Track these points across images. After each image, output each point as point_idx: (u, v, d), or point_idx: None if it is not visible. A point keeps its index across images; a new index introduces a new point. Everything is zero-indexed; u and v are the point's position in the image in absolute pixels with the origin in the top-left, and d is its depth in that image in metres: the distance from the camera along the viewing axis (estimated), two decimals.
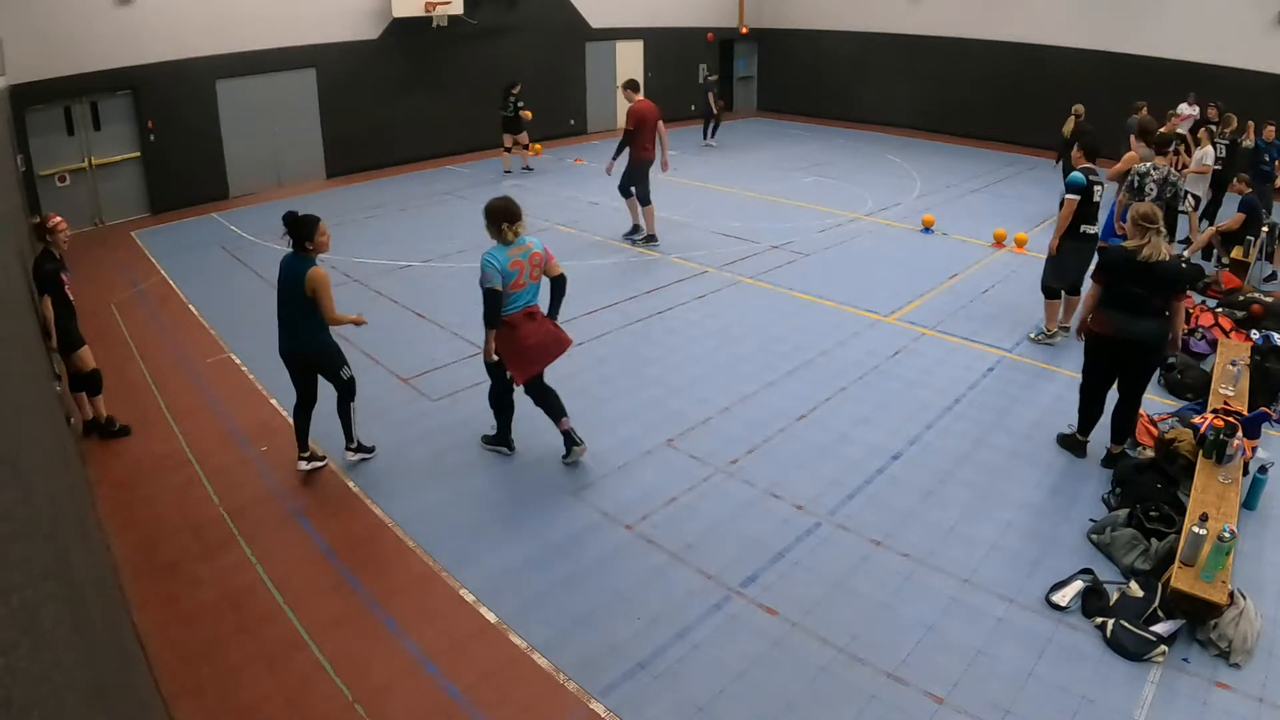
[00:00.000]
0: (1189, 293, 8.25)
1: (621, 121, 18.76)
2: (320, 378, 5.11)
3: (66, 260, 5.53)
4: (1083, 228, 6.72)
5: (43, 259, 5.28)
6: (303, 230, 4.74)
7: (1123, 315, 4.89)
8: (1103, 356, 5.11)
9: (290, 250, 4.83)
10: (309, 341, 4.90)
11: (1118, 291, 4.87)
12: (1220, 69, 13.55)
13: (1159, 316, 4.86)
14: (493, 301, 4.68)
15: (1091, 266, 5.73)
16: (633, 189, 9.77)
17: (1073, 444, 5.50)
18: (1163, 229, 4.85)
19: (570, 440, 5.26)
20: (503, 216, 4.78)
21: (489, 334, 4.84)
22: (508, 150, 13.96)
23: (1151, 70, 14.39)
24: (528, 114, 13.62)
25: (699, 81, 16.48)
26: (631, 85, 9.76)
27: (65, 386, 5.67)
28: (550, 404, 5.16)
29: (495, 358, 4.90)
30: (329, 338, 4.99)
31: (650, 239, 10.02)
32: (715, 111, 16.50)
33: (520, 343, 4.83)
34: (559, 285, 4.99)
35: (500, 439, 5.46)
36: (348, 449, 5.34)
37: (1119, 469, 5.15)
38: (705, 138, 16.81)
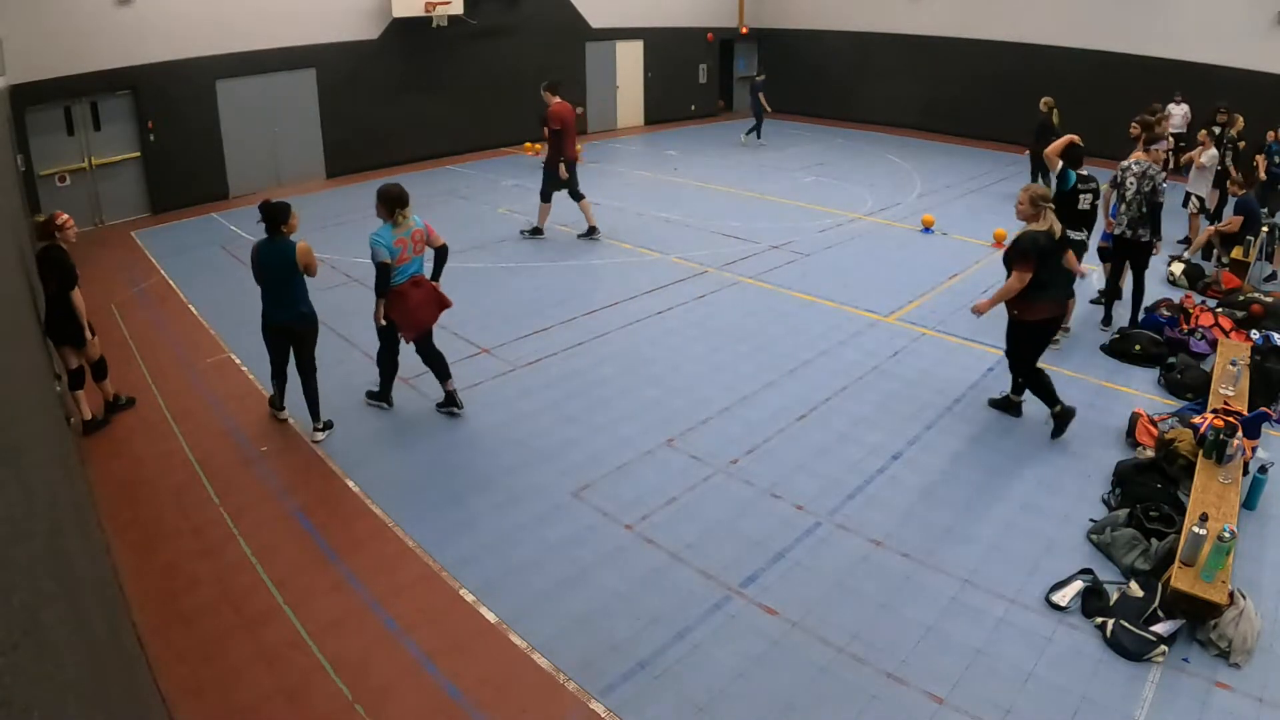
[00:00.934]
0: (1189, 293, 8.27)
1: (622, 121, 19.01)
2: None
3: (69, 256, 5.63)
4: (1066, 232, 6.72)
5: (58, 254, 5.37)
6: (279, 215, 5.30)
7: (1056, 292, 5.38)
8: (1044, 337, 5.52)
9: (265, 238, 5.33)
10: (298, 313, 5.45)
11: (1046, 275, 5.24)
12: (1220, 69, 13.55)
13: (1068, 284, 5.52)
14: (382, 274, 5.34)
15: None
16: (563, 187, 9.78)
17: (1010, 406, 5.93)
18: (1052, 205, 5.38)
19: (451, 400, 5.89)
20: (395, 203, 5.39)
21: (379, 302, 5.46)
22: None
23: (1151, 70, 14.39)
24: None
25: (751, 80, 16.34)
26: (551, 87, 9.78)
27: (65, 386, 5.75)
28: (437, 365, 5.80)
29: (384, 322, 5.53)
30: (312, 309, 5.56)
31: (537, 231, 10.12)
32: (767, 110, 16.48)
33: (408, 307, 5.49)
34: (441, 254, 5.69)
35: (382, 395, 6.03)
36: (315, 429, 5.68)
37: (1119, 469, 5.15)
38: (757, 137, 16.69)
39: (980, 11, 16.77)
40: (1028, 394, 5.83)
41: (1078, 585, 4.19)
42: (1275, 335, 6.72)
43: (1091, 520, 4.76)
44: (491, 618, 4.06)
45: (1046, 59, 15.81)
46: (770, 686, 3.64)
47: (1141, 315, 7.49)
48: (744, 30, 20.73)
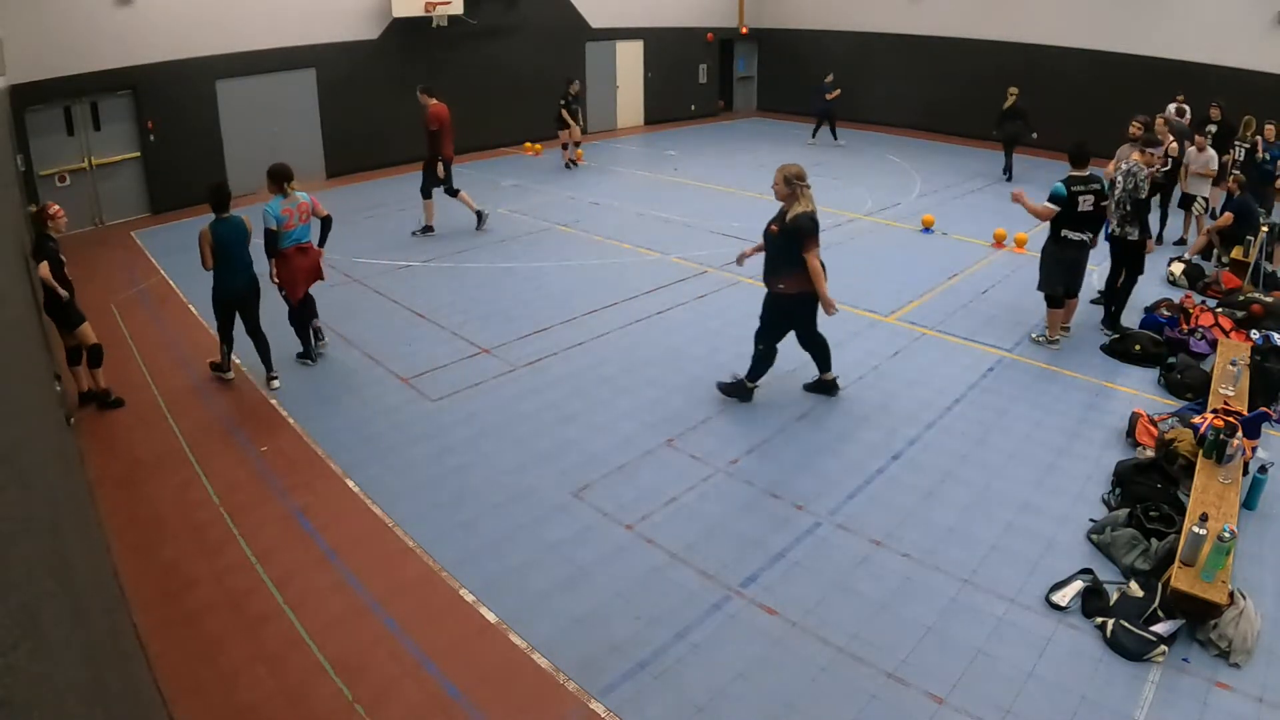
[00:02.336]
0: (1189, 293, 8.27)
1: (622, 121, 19.01)
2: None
3: (62, 246, 5.98)
4: (1064, 232, 6.76)
5: (42, 239, 5.76)
6: (228, 197, 6.12)
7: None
8: (799, 309, 5.71)
9: (217, 218, 6.05)
10: (250, 277, 6.25)
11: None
12: (1220, 69, 13.55)
13: None
14: (270, 239, 6.24)
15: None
16: (441, 185, 10.07)
17: (742, 391, 6.06)
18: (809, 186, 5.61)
19: (318, 334, 6.96)
20: (282, 177, 6.30)
21: (271, 262, 6.37)
22: (564, 146, 14.64)
23: (1151, 70, 14.39)
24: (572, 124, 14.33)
25: (823, 83, 16.13)
26: (426, 90, 10.07)
27: (63, 360, 5.98)
28: (305, 315, 6.75)
29: (276, 281, 6.42)
30: (254, 273, 6.34)
31: (428, 229, 10.33)
32: (832, 112, 16.37)
33: (291, 270, 6.38)
34: (326, 223, 6.59)
35: (305, 353, 6.86)
36: (271, 377, 6.43)
37: (1119, 469, 5.15)
38: (833, 136, 16.66)
39: (980, 11, 16.77)
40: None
41: (1078, 585, 4.18)
42: (1275, 335, 6.72)
43: (1091, 520, 4.76)
44: (491, 618, 4.05)
45: (1047, 59, 15.82)
46: (770, 686, 3.64)
47: (1140, 315, 7.50)
48: (744, 30, 20.73)
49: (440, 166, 9.84)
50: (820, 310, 5.72)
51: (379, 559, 4.50)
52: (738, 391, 6.10)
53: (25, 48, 9.92)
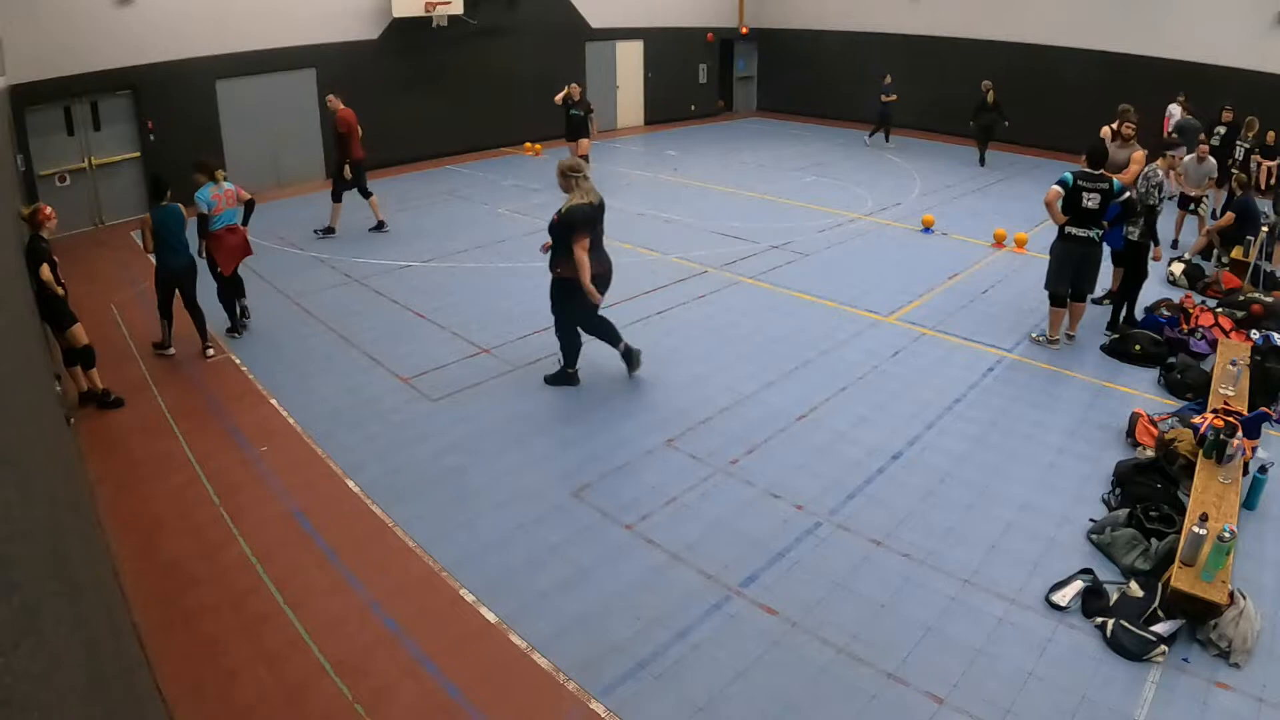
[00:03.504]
0: (1189, 293, 8.27)
1: (622, 121, 19.01)
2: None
3: (59, 247, 6.28)
4: (1068, 229, 6.75)
5: (35, 240, 5.86)
6: (166, 185, 6.80)
7: (595, 253, 5.96)
8: (579, 298, 5.99)
9: (158, 205, 6.68)
10: (190, 257, 6.87)
11: (595, 238, 5.95)
12: (1220, 69, 13.55)
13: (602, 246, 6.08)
14: (202, 221, 6.97)
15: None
16: (352, 187, 10.22)
17: (567, 378, 6.35)
18: (589, 175, 6.06)
19: (244, 312, 7.58)
20: (213, 167, 7.13)
21: (201, 243, 7.06)
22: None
23: (1151, 70, 14.39)
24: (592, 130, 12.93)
25: (883, 84, 16.18)
26: (335, 95, 10.36)
27: (60, 360, 6.04)
28: (233, 293, 7.43)
29: (207, 258, 7.11)
30: (192, 254, 6.99)
31: (329, 230, 10.46)
32: (890, 113, 16.31)
33: (223, 247, 7.12)
34: (250, 205, 7.36)
35: (233, 327, 7.48)
36: (207, 347, 7.05)
37: (1119, 469, 5.15)
38: (885, 139, 16.62)
39: (980, 11, 16.77)
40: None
41: (1078, 585, 4.18)
42: (1275, 335, 6.72)
43: (1091, 520, 4.76)
44: (491, 618, 4.05)
45: (1047, 59, 15.82)
46: (770, 686, 3.64)
47: (1141, 315, 7.50)
48: (744, 30, 20.73)
49: (347, 169, 10.05)
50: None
51: (379, 559, 4.50)
52: (565, 380, 6.39)
53: (25, 48, 9.91)
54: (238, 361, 6.97)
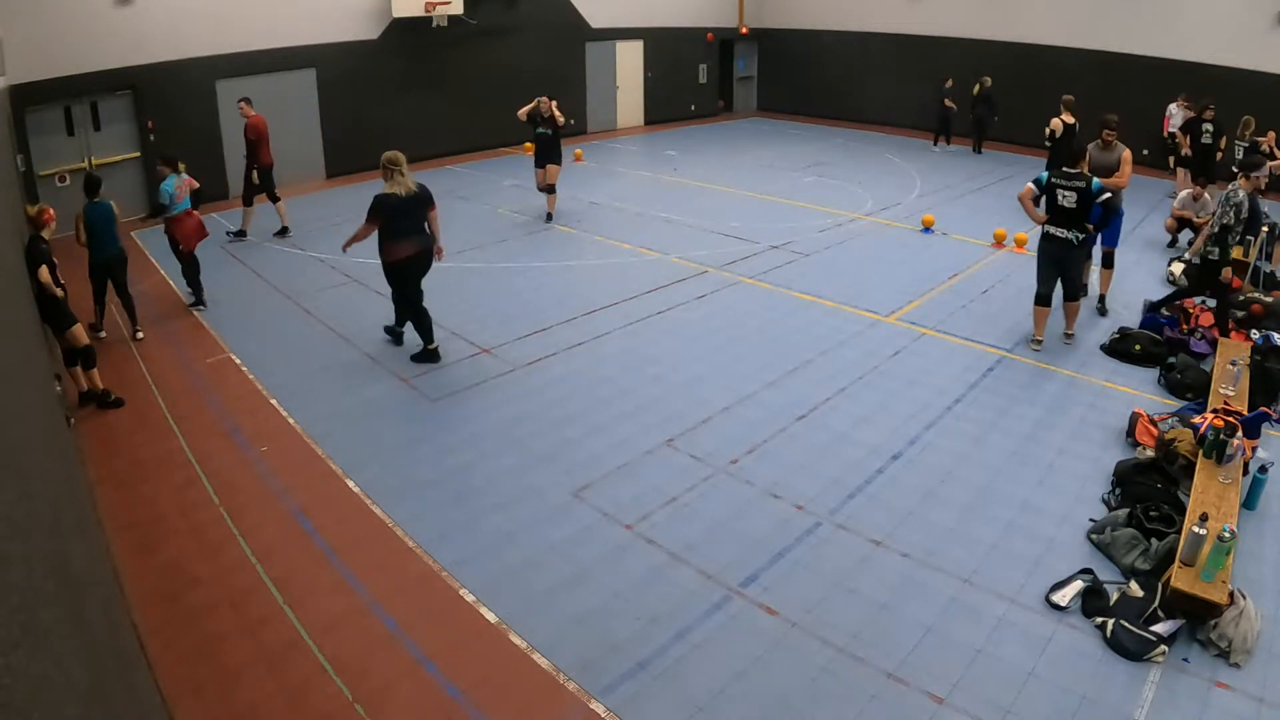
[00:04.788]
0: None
1: (622, 121, 19.01)
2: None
3: (55, 247, 6.21)
4: (1047, 228, 6.79)
5: (36, 241, 5.96)
6: (98, 182, 7.31)
7: (412, 238, 6.46)
8: (409, 274, 6.57)
9: (89, 201, 7.11)
10: (119, 248, 7.33)
11: (403, 226, 6.40)
12: (1220, 69, 13.54)
13: (424, 231, 6.58)
14: (163, 209, 7.88)
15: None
16: (261, 191, 10.31)
17: (429, 355, 6.78)
18: (405, 170, 6.46)
19: (200, 297, 8.24)
20: (176, 160, 8.09)
21: (165, 224, 8.00)
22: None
23: (1151, 70, 14.39)
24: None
25: (942, 89, 16.02)
26: (245, 101, 10.29)
27: (60, 360, 6.08)
28: (195, 270, 8.21)
29: (166, 235, 8.05)
30: (122, 245, 7.44)
31: (241, 234, 10.54)
32: (951, 117, 16.05)
33: (184, 229, 7.94)
34: (198, 193, 8.16)
35: (199, 300, 8.22)
36: (137, 330, 7.55)
37: (1119, 469, 5.15)
38: (946, 143, 16.36)
39: (980, 11, 16.76)
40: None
41: (1078, 585, 4.19)
42: (1275, 335, 6.72)
43: (1091, 520, 4.76)
44: (491, 618, 4.05)
45: (1047, 59, 15.81)
46: (770, 686, 3.64)
47: (1142, 315, 7.50)
48: (744, 30, 20.73)
49: (255, 174, 10.17)
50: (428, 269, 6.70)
51: (379, 559, 4.50)
52: (428, 357, 6.80)
53: (25, 48, 9.92)
54: (238, 362, 6.97)
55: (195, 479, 5.27)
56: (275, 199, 10.52)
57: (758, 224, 10.91)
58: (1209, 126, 11.37)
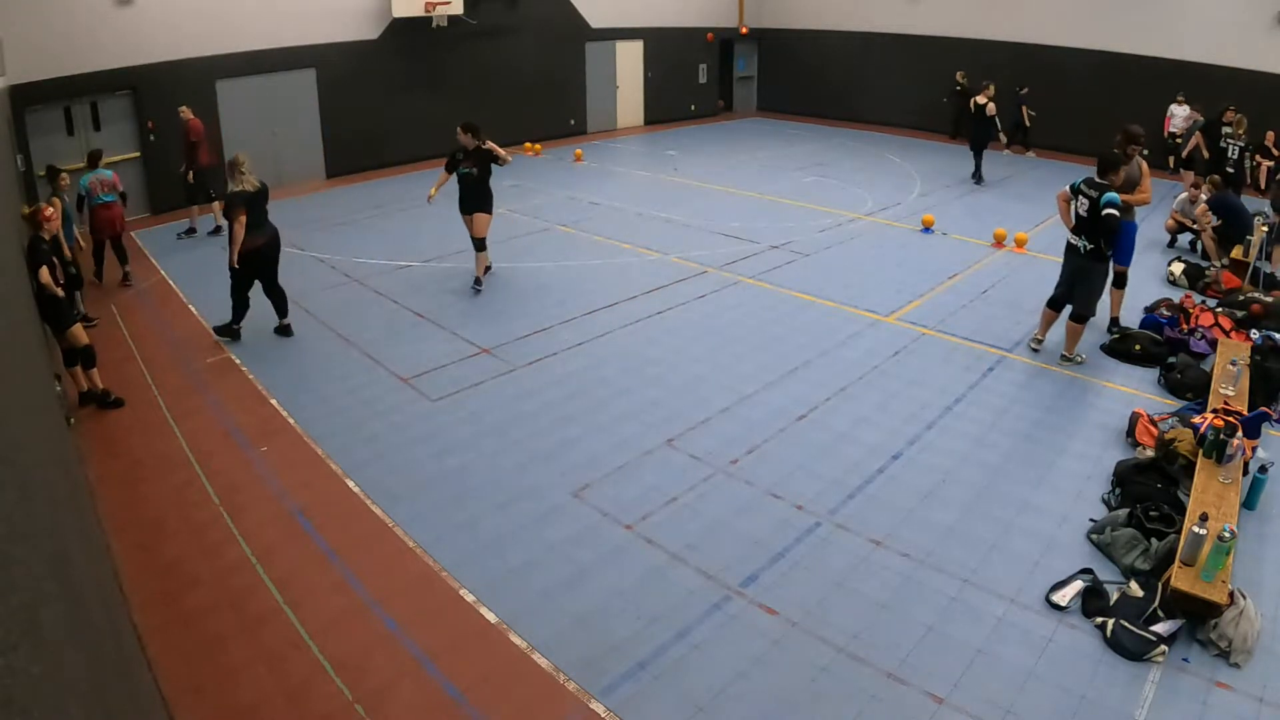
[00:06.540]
0: (1189, 293, 8.26)
1: (622, 121, 19.02)
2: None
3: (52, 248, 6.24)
4: (1068, 235, 6.72)
5: (36, 241, 5.94)
6: (99, 155, 8.79)
7: (260, 229, 7.14)
8: (254, 265, 7.23)
9: (90, 170, 8.47)
10: (115, 200, 8.59)
11: (252, 218, 7.03)
12: (1220, 69, 13.55)
13: (270, 222, 7.29)
14: (81, 201, 8.69)
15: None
16: (199, 191, 10.69)
17: (230, 332, 7.37)
18: (248, 169, 7.08)
19: (126, 277, 8.96)
20: (96, 157, 8.89)
21: (80, 214, 8.80)
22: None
23: (1151, 70, 14.40)
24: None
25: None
26: (186, 105, 10.63)
27: (60, 360, 6.07)
28: (121, 258, 8.93)
29: (84, 228, 8.94)
30: None
31: (191, 231, 10.89)
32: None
33: (97, 220, 8.60)
34: (124, 196, 8.92)
35: (126, 279, 9.00)
36: (126, 271, 8.83)
37: (1119, 469, 5.15)
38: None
39: (980, 11, 16.77)
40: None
41: (1078, 585, 4.19)
42: (1275, 335, 6.72)
43: (1091, 520, 4.76)
44: (491, 618, 4.05)
45: (1047, 59, 15.82)
46: (770, 686, 3.64)
47: (1142, 315, 7.49)
48: (744, 30, 20.73)
49: (191, 175, 10.50)
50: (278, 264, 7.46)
51: (379, 559, 4.50)
52: (228, 333, 7.39)
53: (25, 48, 9.92)
54: (238, 362, 6.97)
55: (195, 479, 5.27)
56: (210, 199, 10.72)
57: (758, 224, 10.91)
58: (1228, 130, 11.32)
